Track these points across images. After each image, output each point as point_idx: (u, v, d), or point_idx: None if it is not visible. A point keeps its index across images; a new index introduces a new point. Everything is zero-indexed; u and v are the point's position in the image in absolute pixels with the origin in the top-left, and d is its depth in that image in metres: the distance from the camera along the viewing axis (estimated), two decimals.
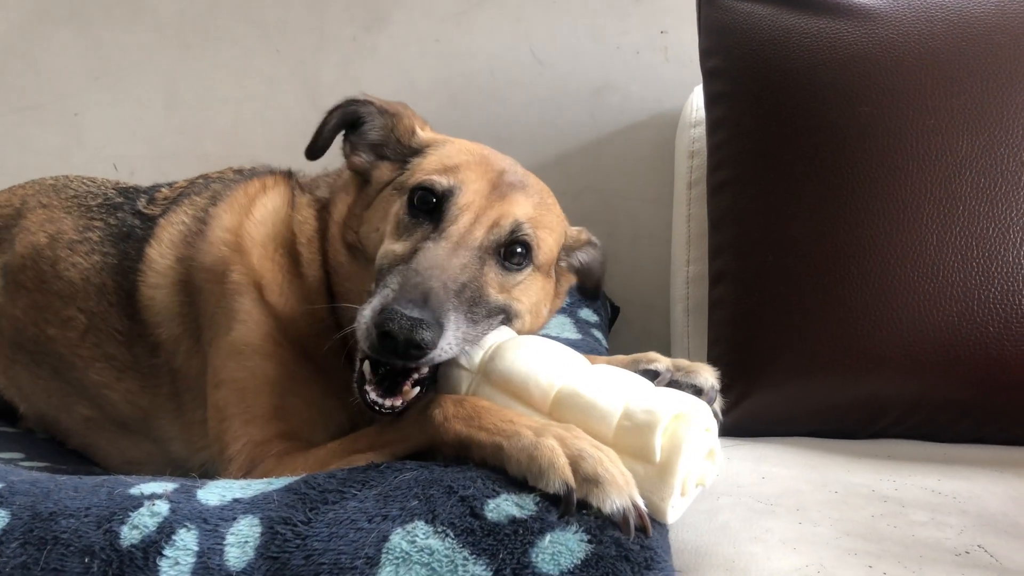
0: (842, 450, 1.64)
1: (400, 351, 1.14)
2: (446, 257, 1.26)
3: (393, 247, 1.32)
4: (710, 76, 1.95)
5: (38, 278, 1.71)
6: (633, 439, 1.09)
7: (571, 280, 1.62)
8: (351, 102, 1.48)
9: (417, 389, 1.23)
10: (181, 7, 2.85)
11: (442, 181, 1.34)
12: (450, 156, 1.42)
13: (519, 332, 1.40)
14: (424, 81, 2.73)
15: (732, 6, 1.90)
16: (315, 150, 1.49)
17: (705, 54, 1.97)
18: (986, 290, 1.60)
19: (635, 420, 1.10)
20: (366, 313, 1.17)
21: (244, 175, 1.68)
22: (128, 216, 1.69)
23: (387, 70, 2.75)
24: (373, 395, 1.21)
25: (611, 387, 1.17)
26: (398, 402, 1.21)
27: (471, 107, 2.72)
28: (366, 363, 1.22)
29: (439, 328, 1.16)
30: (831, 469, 1.53)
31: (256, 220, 1.52)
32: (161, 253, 1.58)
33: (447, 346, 1.18)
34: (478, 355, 1.26)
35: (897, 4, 1.76)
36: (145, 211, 1.69)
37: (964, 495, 1.40)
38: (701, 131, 2.10)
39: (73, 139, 2.95)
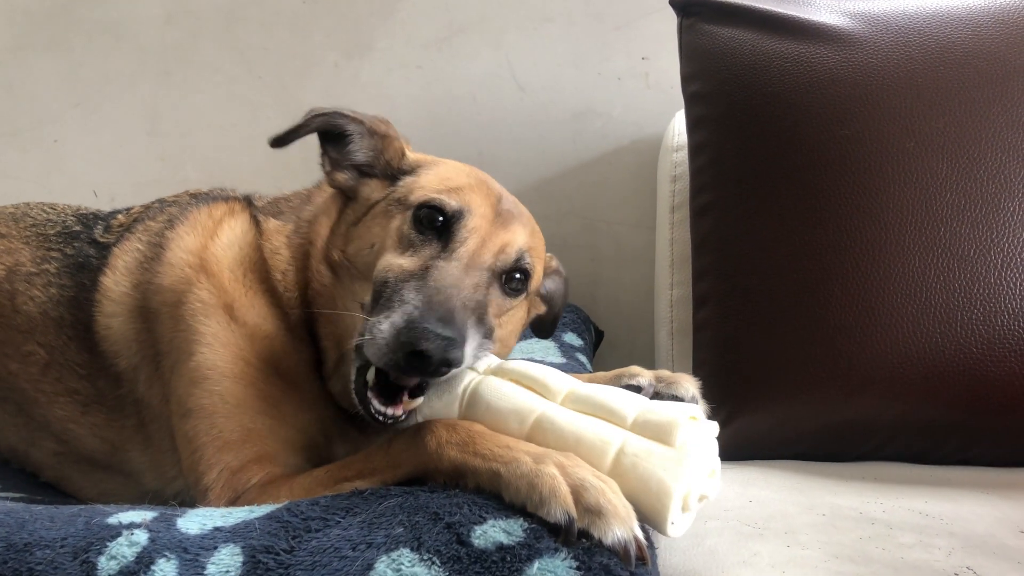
0: (829, 473, 1.64)
1: (430, 369, 1.14)
2: (460, 276, 1.27)
3: (399, 261, 1.30)
4: (692, 101, 1.96)
5: None
6: (657, 418, 1.12)
7: (540, 309, 1.62)
8: (337, 114, 1.45)
9: (419, 399, 1.23)
10: (162, 34, 2.85)
11: (451, 202, 1.34)
12: (450, 177, 1.42)
13: None
14: (407, 107, 2.74)
15: (713, 32, 1.91)
16: (282, 143, 1.47)
17: (687, 79, 1.98)
18: (968, 311, 1.61)
19: (659, 408, 1.14)
20: (383, 327, 1.16)
21: (201, 199, 1.65)
22: (84, 246, 1.65)
23: (370, 96, 2.76)
24: (377, 404, 1.21)
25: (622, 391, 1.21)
26: (399, 411, 1.21)
27: (454, 132, 2.73)
28: (371, 371, 1.22)
29: (463, 346, 1.17)
30: (819, 492, 1.53)
31: (223, 244, 1.49)
32: (116, 281, 1.54)
33: (466, 362, 1.20)
34: (483, 363, 1.27)
35: (874, 30, 1.79)
36: (100, 240, 1.64)
37: (951, 517, 1.40)
38: (683, 155, 2.11)
39: (53, 166, 2.93)
